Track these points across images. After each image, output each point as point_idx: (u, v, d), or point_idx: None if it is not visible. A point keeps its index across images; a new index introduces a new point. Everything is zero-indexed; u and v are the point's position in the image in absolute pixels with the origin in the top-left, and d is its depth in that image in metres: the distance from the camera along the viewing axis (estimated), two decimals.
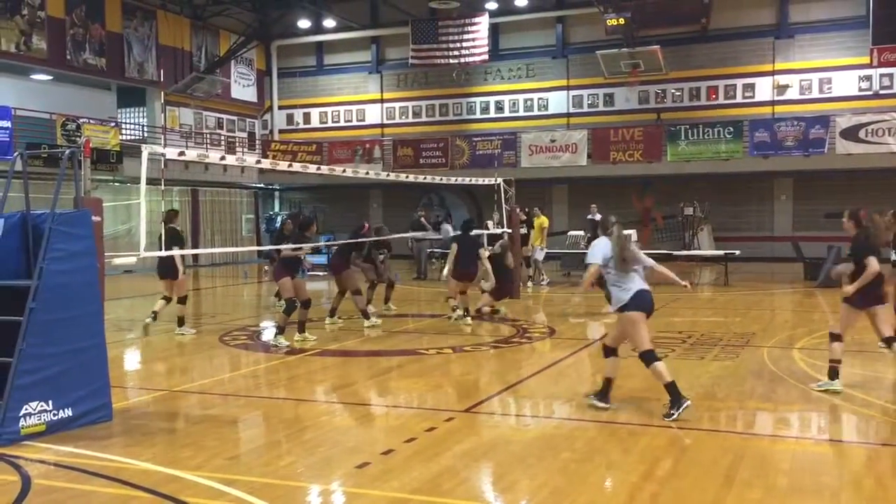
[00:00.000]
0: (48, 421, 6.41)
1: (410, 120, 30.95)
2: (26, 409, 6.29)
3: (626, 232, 8.28)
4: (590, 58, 27.04)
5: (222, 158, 12.12)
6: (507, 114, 29.64)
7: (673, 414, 6.79)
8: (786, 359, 9.62)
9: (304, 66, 32.50)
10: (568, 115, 28.79)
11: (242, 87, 31.22)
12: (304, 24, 30.24)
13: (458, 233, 13.19)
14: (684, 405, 6.80)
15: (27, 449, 6.07)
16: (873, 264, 7.46)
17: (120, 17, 25.71)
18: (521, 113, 29.44)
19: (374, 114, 31.49)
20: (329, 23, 29.88)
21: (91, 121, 23.46)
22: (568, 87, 28.78)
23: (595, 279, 7.30)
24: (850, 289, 7.61)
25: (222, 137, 30.07)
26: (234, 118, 30.98)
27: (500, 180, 16.07)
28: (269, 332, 12.86)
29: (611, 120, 27.69)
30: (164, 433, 6.83)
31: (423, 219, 21.16)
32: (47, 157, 21.68)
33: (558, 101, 28.98)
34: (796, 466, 5.82)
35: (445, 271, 12.87)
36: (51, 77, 24.98)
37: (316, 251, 18.51)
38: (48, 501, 5.08)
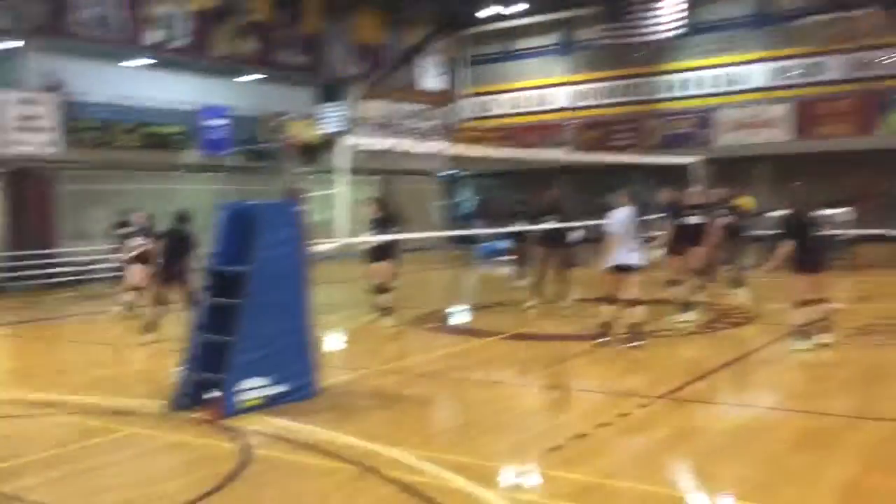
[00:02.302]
0: (265, 395, 6.94)
1: (600, 101, 30.40)
2: (246, 385, 6.84)
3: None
4: (794, 26, 25.28)
5: (413, 147, 12.50)
6: (701, 91, 28.37)
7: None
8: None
9: (494, 53, 32.76)
10: (769, 88, 27.12)
11: (432, 77, 32.00)
12: (492, 10, 30.45)
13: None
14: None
15: (247, 420, 6.60)
16: None
17: (319, 17, 27.13)
18: (717, 89, 28.07)
19: (562, 97, 31.23)
20: (517, 7, 29.91)
21: (294, 117, 24.96)
22: (769, 59, 27.07)
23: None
24: None
25: (414, 126, 31.01)
26: (425, 107, 31.81)
27: (695, 159, 15.41)
28: (461, 315, 13.18)
29: (818, 91, 25.77)
30: (366, 410, 7.18)
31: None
32: (257, 151, 23.39)
33: (758, 75, 27.36)
34: None
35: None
36: (258, 77, 26.83)
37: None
38: (266, 469, 5.50)
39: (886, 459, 5.37)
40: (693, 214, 11.59)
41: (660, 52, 28.54)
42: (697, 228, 11.49)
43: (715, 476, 5.23)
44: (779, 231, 8.95)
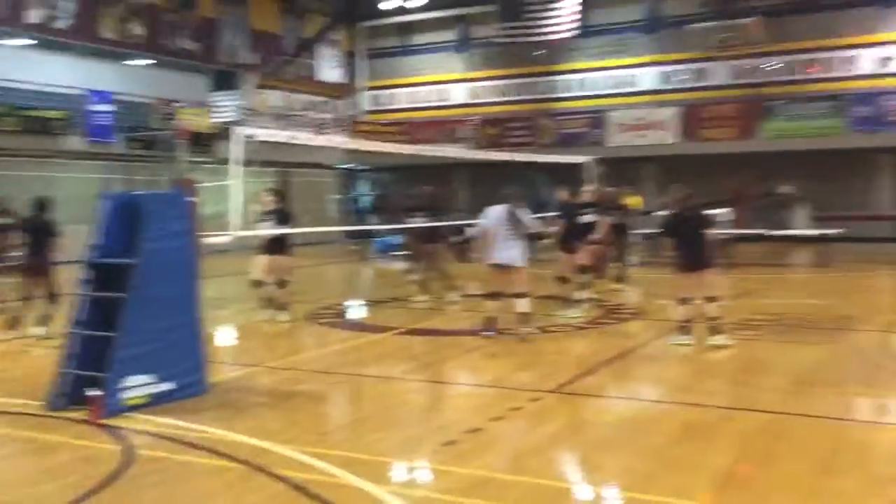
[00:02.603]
0: (150, 393, 6.69)
1: (496, 99, 30.80)
2: (130, 382, 6.57)
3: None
4: (682, 32, 26.32)
5: (311, 139, 12.35)
6: (594, 91, 29.15)
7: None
8: (886, 343, 9.21)
9: (391, 47, 32.70)
10: (657, 91, 28.12)
11: (330, 69, 31.65)
12: (389, 4, 30.37)
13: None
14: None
15: (130, 420, 6.35)
16: None
17: (213, 2, 26.40)
18: (609, 90, 28.91)
19: (459, 93, 31.46)
20: (415, 2, 29.93)
21: (186, 105, 24.21)
22: (658, 63, 28.06)
23: None
24: None
25: (310, 119, 30.60)
26: (322, 99, 31.44)
27: (589, 159, 15.81)
28: (357, 310, 13.11)
29: (703, 96, 26.92)
30: (257, 407, 7.04)
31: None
32: (145, 139, 22.53)
33: (648, 78, 28.33)
34: None
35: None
36: (147, 62, 25.87)
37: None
38: (150, 470, 5.31)
39: (760, 449, 5.65)
40: (585, 213, 11.93)
41: (555, 53, 29.14)
42: (588, 226, 11.83)
43: (602, 467, 5.38)
44: (662, 229, 9.27)
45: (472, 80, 31.33)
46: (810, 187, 24.63)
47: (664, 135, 25.80)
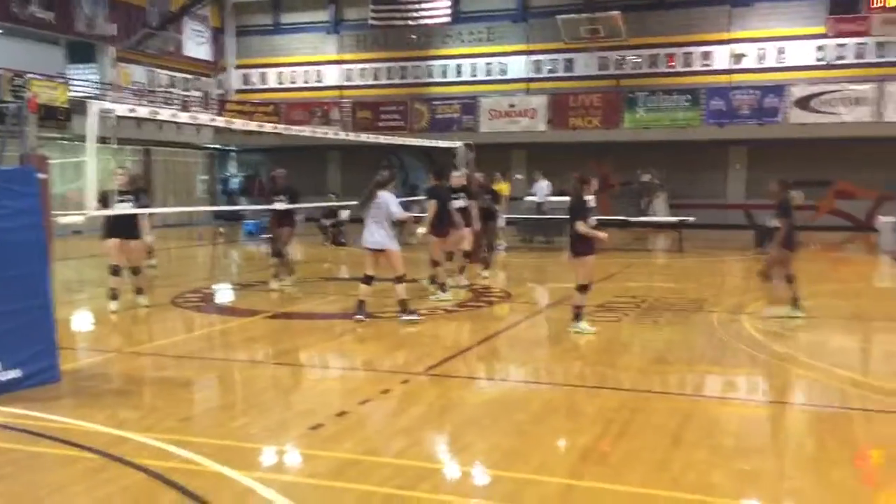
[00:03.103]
0: None
1: (369, 82, 30.62)
2: None
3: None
4: (550, 22, 27.00)
5: (175, 116, 11.89)
6: (467, 78, 29.46)
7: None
8: (735, 324, 9.80)
9: (261, 25, 31.87)
10: (528, 80, 28.73)
11: (197, 45, 30.52)
12: None
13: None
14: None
15: None
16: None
17: None
18: (482, 77, 29.30)
19: (332, 75, 31.06)
20: None
21: (39, 76, 22.76)
22: (528, 52, 28.67)
23: None
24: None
25: (176, 96, 29.44)
26: (188, 77, 30.31)
27: (461, 144, 15.96)
28: (223, 294, 12.79)
29: (570, 86, 27.73)
30: (114, 395, 6.73)
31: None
32: None
33: (518, 66, 28.88)
34: (742, 428, 5.96)
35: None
36: None
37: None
38: None
39: (619, 425, 5.89)
40: (456, 198, 12.07)
41: (429, 39, 29.25)
42: (460, 212, 11.98)
43: (469, 447, 5.47)
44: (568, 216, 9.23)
45: (344, 62, 31.00)
46: (669, 176, 25.89)
47: (534, 122, 26.42)
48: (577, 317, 9.07)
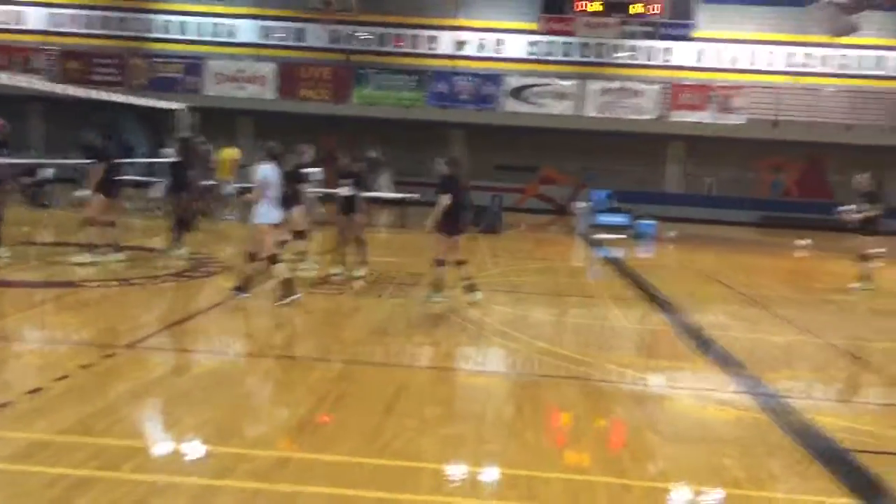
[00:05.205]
0: None
1: (80, 30, 28.01)
2: None
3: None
4: None
5: None
6: (192, 37, 28.00)
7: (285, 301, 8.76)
8: (451, 297, 10.33)
9: None
10: (257, 45, 27.95)
11: None
12: None
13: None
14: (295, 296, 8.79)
15: None
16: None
17: None
18: (208, 38, 28.00)
19: (37, 18, 27.99)
20: None
21: None
22: (258, 17, 27.87)
23: None
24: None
25: None
26: None
27: (183, 106, 15.17)
28: None
29: (301, 55, 27.42)
30: None
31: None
32: None
33: (248, 30, 27.99)
34: (451, 396, 6.32)
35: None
36: None
37: None
38: None
39: (334, 396, 5.98)
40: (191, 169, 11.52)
41: None
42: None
43: (179, 422, 5.25)
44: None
45: (51, 4, 28.07)
46: (394, 154, 26.56)
47: (263, 90, 25.79)
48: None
